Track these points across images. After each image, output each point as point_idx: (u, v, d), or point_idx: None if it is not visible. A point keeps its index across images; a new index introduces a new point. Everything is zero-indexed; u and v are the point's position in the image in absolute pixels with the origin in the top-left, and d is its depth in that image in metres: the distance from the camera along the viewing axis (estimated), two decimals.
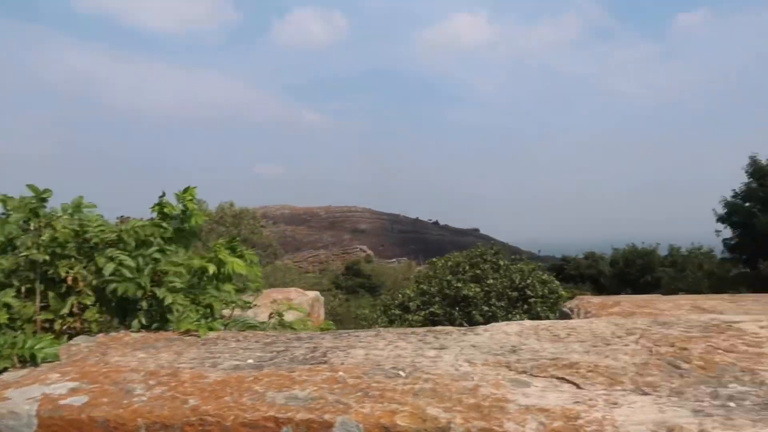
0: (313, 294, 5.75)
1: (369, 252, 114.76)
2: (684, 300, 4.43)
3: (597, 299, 4.61)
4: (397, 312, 14.30)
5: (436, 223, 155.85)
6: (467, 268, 14.71)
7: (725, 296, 4.69)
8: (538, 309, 13.50)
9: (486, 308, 13.70)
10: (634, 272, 28.30)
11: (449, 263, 15.26)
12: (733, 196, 21.26)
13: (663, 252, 29.57)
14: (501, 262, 15.10)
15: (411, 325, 13.74)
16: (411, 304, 14.53)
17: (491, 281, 14.09)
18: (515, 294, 14.05)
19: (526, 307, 13.74)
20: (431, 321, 14.14)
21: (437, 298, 14.27)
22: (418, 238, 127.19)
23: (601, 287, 29.75)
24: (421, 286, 14.93)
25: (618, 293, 30.42)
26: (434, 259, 16.62)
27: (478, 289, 13.86)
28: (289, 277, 31.59)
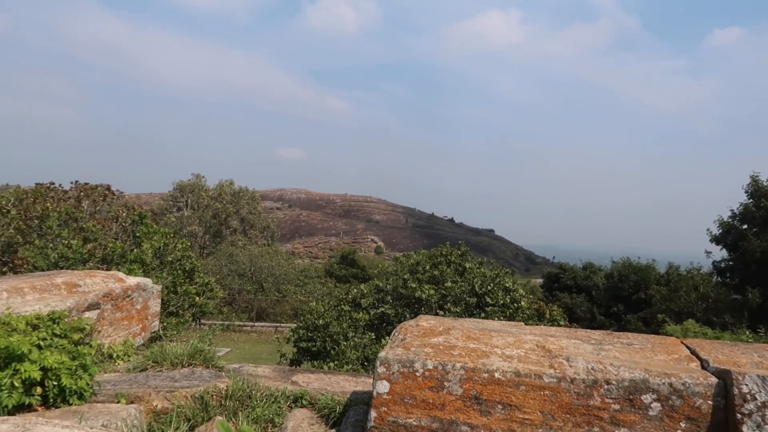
0: (134, 281, 4.85)
1: (380, 243, 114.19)
2: (532, 336, 3.46)
3: (428, 323, 3.66)
4: (347, 308, 13.42)
5: (451, 220, 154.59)
6: (427, 268, 13.75)
7: (595, 334, 3.71)
8: (495, 318, 12.52)
9: (441, 312, 12.74)
10: (627, 288, 26.97)
11: (410, 261, 14.32)
12: (731, 217, 19.94)
13: (663, 269, 28.23)
14: (467, 265, 14.12)
15: (356, 324, 12.85)
16: (363, 301, 13.64)
17: (449, 284, 13.11)
18: (474, 300, 13.07)
19: (483, 315, 12.75)
20: (381, 321, 13.26)
21: (390, 297, 13.36)
22: (432, 234, 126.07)
23: (594, 301, 28.52)
24: (377, 282, 14.02)
25: (610, 308, 29.24)
26: (398, 255, 15.68)
27: (432, 292, 12.90)
28: (276, 260, 30.91)
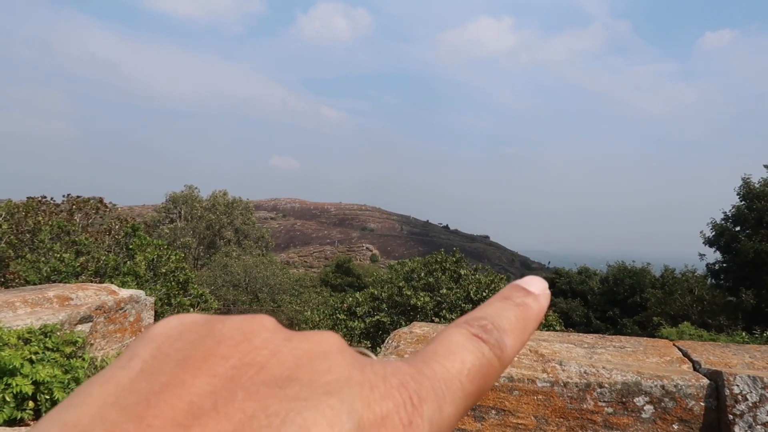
0: (127, 293, 4.84)
1: (375, 251, 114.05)
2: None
3: (422, 330, 3.66)
4: (342, 317, 13.41)
5: (446, 227, 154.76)
6: (422, 275, 13.77)
7: (587, 337, 3.72)
8: None
9: (436, 320, 12.74)
10: (622, 291, 27.02)
11: (405, 269, 14.33)
12: (723, 219, 20.05)
13: (659, 272, 28.30)
14: (462, 271, 14.14)
15: (352, 333, 12.83)
16: (359, 309, 13.63)
17: (445, 291, 13.13)
18: (469, 307, 13.07)
19: None
20: (377, 329, 13.25)
21: (385, 305, 13.35)
22: (427, 241, 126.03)
23: (589, 305, 28.55)
24: (372, 291, 14.02)
25: (605, 312, 29.25)
26: (393, 263, 15.68)
27: (428, 299, 12.91)
28: (270, 270, 30.82)
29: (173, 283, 12.97)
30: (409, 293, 13.03)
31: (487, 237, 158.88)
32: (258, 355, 0.34)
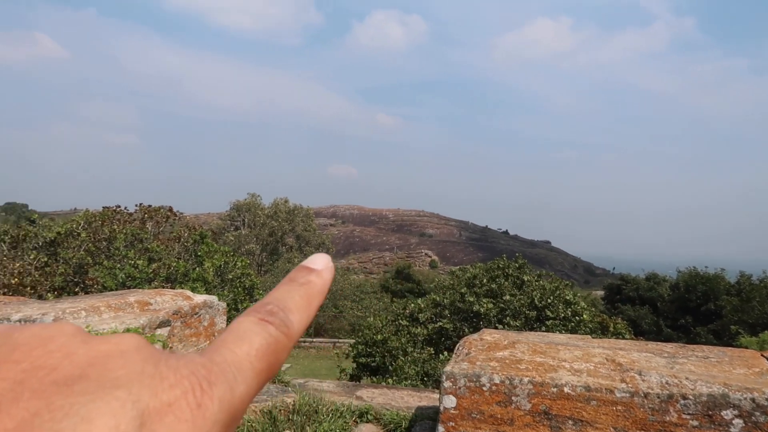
0: (201, 299, 5.01)
1: (434, 257, 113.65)
2: (600, 349, 3.36)
3: (492, 337, 3.61)
4: (404, 323, 13.40)
5: (506, 232, 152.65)
6: (484, 281, 13.60)
7: (667, 347, 3.56)
8: (557, 332, 12.21)
9: (500, 326, 12.55)
10: (694, 299, 25.76)
11: (467, 275, 14.19)
12: None
13: (733, 278, 26.88)
14: (525, 278, 13.88)
15: (415, 339, 12.81)
16: (421, 315, 13.59)
17: (508, 297, 12.92)
18: (534, 313, 12.82)
19: (543, 328, 12.48)
20: (440, 335, 13.17)
21: (448, 312, 13.26)
22: (487, 246, 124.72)
23: (659, 313, 27.42)
24: (434, 297, 13.95)
25: (677, 320, 28.03)
26: (454, 269, 15.57)
27: (491, 306, 12.73)
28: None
29: (240, 289, 13.34)
30: (471, 300, 12.90)
31: (548, 242, 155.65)
32: (51, 358, 0.36)
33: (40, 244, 13.18)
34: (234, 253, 14.97)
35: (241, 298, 13.10)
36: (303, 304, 0.45)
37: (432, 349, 12.14)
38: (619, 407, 2.75)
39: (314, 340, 25.29)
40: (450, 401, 2.91)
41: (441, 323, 13.06)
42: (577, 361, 3.15)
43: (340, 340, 24.40)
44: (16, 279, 11.29)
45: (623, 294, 29.91)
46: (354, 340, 14.03)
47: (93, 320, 3.89)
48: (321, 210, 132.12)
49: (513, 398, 2.85)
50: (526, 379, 2.88)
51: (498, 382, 2.89)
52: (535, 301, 12.80)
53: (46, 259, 12.58)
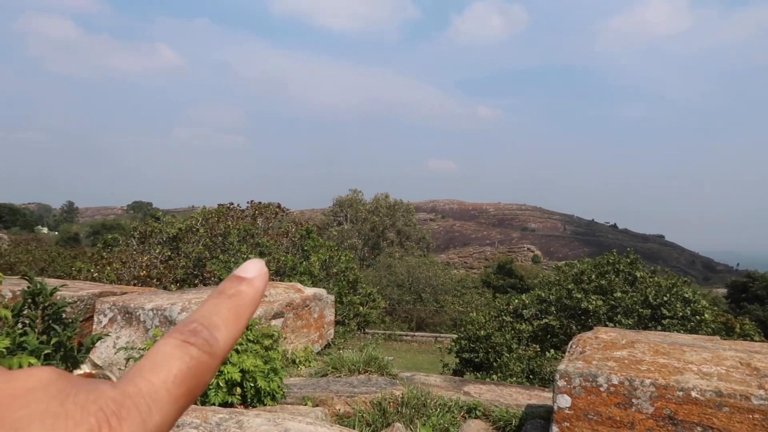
0: (311, 291, 5.17)
1: (537, 252, 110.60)
2: (732, 352, 3.10)
3: (608, 336, 3.44)
4: (508, 319, 13.14)
5: (614, 226, 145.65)
6: (593, 277, 13.02)
7: None
8: (674, 331, 11.46)
9: (610, 324, 11.98)
10: None
11: (573, 270, 13.66)
12: None
13: None
14: (638, 274, 13.16)
15: (519, 335, 12.53)
16: (525, 311, 13.26)
17: (619, 294, 12.30)
18: (648, 312, 12.11)
19: (659, 328, 11.76)
20: (545, 332, 12.78)
21: (553, 308, 12.84)
22: (593, 241, 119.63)
23: None
24: (539, 293, 13.56)
25: None
26: (560, 264, 15.04)
27: (600, 303, 12.18)
28: (432, 271, 31.28)
29: (344, 283, 13.67)
30: (579, 296, 12.41)
31: (661, 236, 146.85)
32: None
33: (164, 239, 14.22)
34: (338, 248, 15.37)
35: (345, 291, 13.43)
36: (231, 318, 0.43)
37: (537, 346, 11.82)
38: (757, 415, 2.52)
39: (416, 334, 25.46)
40: (564, 401, 2.80)
41: (546, 320, 12.68)
42: (706, 364, 2.93)
43: (442, 335, 24.38)
44: (144, 271, 12.25)
45: (750, 292, 27.55)
46: (456, 335, 13.95)
47: None
48: (420, 205, 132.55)
49: (633, 400, 2.71)
50: (647, 381, 2.72)
51: (616, 383, 2.75)
52: (650, 298, 12.09)
53: (169, 253, 13.55)
